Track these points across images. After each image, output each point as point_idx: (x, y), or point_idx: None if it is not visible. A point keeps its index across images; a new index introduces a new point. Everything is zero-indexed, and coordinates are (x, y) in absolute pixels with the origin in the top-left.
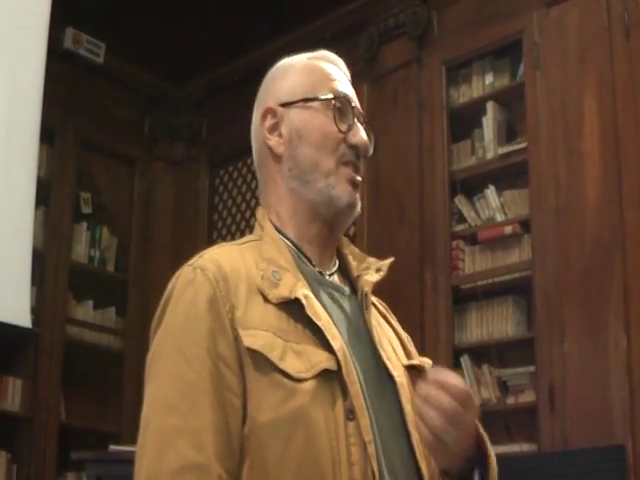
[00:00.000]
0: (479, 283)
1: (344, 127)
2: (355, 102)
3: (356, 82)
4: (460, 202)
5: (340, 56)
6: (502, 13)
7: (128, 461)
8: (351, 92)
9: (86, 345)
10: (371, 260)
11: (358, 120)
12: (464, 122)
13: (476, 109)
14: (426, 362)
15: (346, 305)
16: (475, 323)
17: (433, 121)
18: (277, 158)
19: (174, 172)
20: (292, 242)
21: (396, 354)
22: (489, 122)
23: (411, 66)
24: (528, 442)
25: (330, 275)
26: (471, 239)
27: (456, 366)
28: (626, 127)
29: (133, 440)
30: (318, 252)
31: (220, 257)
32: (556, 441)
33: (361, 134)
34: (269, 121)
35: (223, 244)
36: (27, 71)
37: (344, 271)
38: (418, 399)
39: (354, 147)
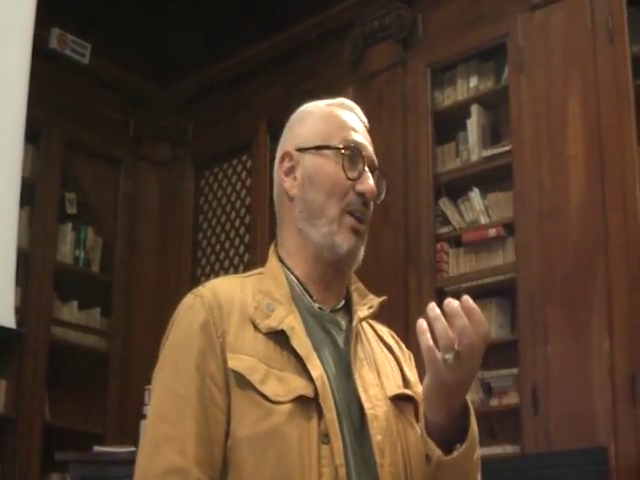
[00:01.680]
0: (463, 285)
1: (353, 175)
2: (367, 151)
3: (341, 84)
4: (444, 204)
5: (326, 58)
6: (487, 16)
7: (112, 462)
8: (365, 140)
9: (71, 346)
10: (371, 297)
11: (369, 168)
12: (449, 125)
13: (461, 112)
14: (407, 392)
15: (340, 339)
16: None
17: (418, 123)
18: (291, 199)
19: (159, 173)
20: (298, 278)
21: (381, 386)
22: (473, 125)
23: (396, 68)
24: (511, 444)
25: (332, 311)
26: (455, 241)
27: None
28: (610, 130)
29: (117, 441)
30: (322, 291)
31: (219, 287)
32: (539, 443)
33: (369, 182)
34: (286, 164)
35: (229, 276)
36: (12, 71)
37: (348, 308)
38: (444, 311)
39: (361, 195)
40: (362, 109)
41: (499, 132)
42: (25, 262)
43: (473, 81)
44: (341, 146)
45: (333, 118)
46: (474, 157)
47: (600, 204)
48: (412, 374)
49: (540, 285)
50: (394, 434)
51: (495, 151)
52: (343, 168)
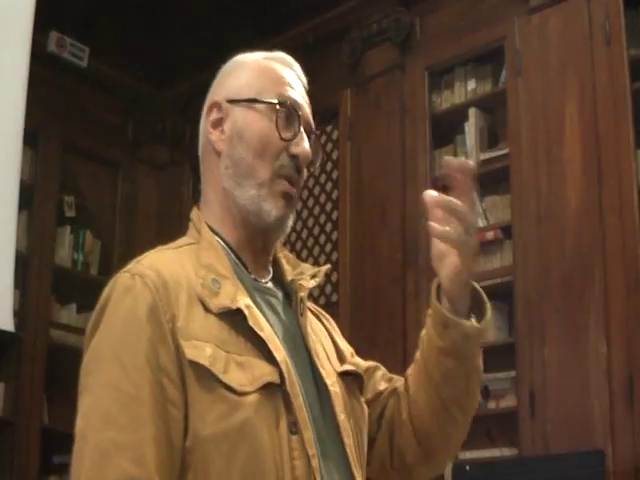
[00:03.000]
0: None
1: (288, 135)
2: (303, 111)
3: (339, 87)
4: None
5: (323, 61)
6: (484, 20)
7: None
8: (302, 99)
9: (69, 348)
10: (305, 266)
11: (305, 129)
12: (446, 128)
13: (458, 115)
14: (360, 363)
15: (281, 312)
16: None
17: (415, 127)
18: (217, 153)
19: (157, 176)
20: (228, 245)
21: (330, 361)
22: (471, 128)
23: (394, 72)
24: (509, 447)
25: (265, 282)
26: None
27: None
28: (607, 134)
29: None
30: (253, 258)
31: (159, 264)
32: (537, 446)
33: (304, 144)
34: (214, 115)
35: (159, 248)
36: (10, 74)
37: (277, 277)
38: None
39: (294, 157)
40: (360, 112)
41: (497, 135)
42: (24, 265)
43: (471, 84)
44: (275, 101)
45: (270, 71)
46: (471, 160)
47: (597, 207)
48: (345, 346)
49: (537, 288)
50: (349, 411)
51: (493, 154)
52: (277, 126)
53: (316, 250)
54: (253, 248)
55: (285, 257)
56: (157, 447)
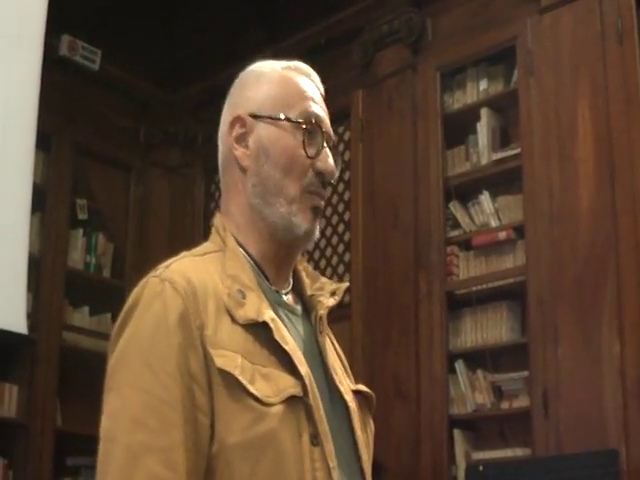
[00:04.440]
0: (473, 289)
1: (312, 152)
2: (326, 125)
3: (351, 88)
4: (454, 208)
5: (335, 62)
6: (496, 20)
7: None
8: (323, 112)
9: (82, 351)
10: (324, 281)
11: (327, 144)
12: (458, 128)
13: (470, 115)
14: (365, 389)
15: (299, 326)
16: (469, 328)
17: (427, 127)
18: (242, 169)
19: (170, 178)
20: (251, 256)
21: (345, 378)
22: (483, 128)
23: (406, 72)
24: (522, 447)
25: (285, 294)
26: (465, 245)
27: (451, 371)
28: (619, 133)
29: None
30: (275, 270)
31: (187, 271)
32: (550, 446)
33: (329, 161)
34: (237, 130)
35: (184, 254)
36: (23, 78)
37: (296, 289)
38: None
39: (321, 174)
40: (372, 113)
41: (509, 135)
42: (36, 268)
43: (483, 84)
44: (301, 120)
45: (291, 85)
46: (484, 160)
47: (610, 206)
48: (348, 367)
49: (550, 288)
50: (363, 428)
51: (505, 154)
52: (303, 145)
53: (329, 251)
54: (276, 259)
55: (305, 269)
56: (187, 453)
